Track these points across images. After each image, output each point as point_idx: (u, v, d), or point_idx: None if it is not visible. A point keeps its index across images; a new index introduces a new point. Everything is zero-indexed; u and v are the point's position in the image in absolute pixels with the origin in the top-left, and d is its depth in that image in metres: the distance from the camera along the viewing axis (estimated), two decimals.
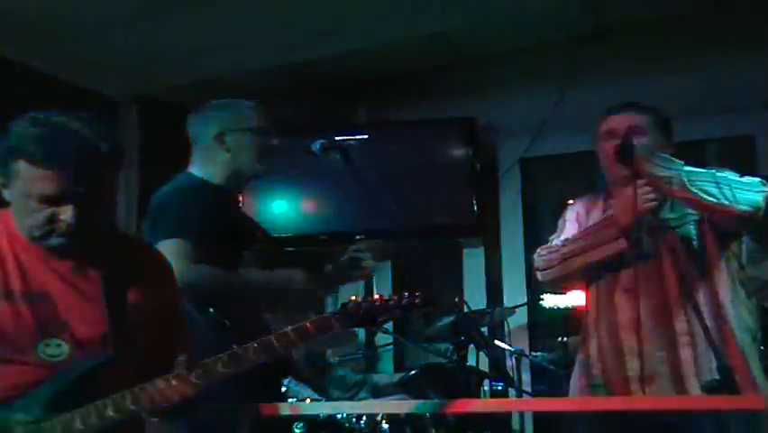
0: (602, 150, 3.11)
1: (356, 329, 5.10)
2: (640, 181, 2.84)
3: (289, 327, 2.15)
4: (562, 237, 3.15)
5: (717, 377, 2.59)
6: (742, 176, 2.91)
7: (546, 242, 3.22)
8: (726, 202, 2.78)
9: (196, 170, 3.19)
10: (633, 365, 2.86)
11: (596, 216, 3.14)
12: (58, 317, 2.12)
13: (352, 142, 2.61)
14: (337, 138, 2.60)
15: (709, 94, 4.92)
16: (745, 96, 4.85)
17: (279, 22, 4.53)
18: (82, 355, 2.11)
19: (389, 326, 5.52)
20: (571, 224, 3.19)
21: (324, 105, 5.68)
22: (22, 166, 2.02)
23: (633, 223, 2.85)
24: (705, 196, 2.78)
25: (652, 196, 2.82)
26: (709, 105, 4.96)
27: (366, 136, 5.33)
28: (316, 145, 2.74)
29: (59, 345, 2.10)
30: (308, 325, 2.17)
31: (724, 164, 5.23)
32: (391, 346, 5.71)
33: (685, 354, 2.81)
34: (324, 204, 5.48)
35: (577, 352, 3.18)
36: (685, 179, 2.79)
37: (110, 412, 2.06)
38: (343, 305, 2.21)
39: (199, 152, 3.20)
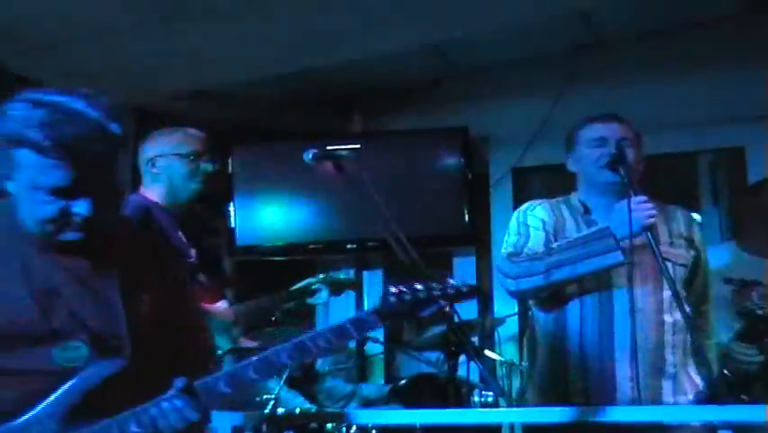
0: (587, 156, 3.07)
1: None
2: (639, 197, 2.83)
3: (326, 328, 1.97)
4: (532, 245, 3.01)
5: (705, 390, 2.61)
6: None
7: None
8: None
9: (144, 192, 3.50)
10: (622, 387, 2.83)
11: (572, 224, 3.08)
12: (73, 319, 1.92)
13: (344, 151, 2.60)
14: (330, 147, 2.59)
15: (701, 106, 4.95)
16: (736, 108, 4.87)
17: (275, 33, 4.53)
18: (99, 360, 1.92)
19: (380, 335, 5.53)
20: (536, 231, 3.06)
21: (318, 114, 5.69)
22: (26, 154, 1.80)
23: (631, 236, 2.82)
24: None
25: (652, 212, 2.81)
26: (701, 117, 4.99)
27: (359, 145, 5.34)
28: (309, 154, 2.73)
29: (76, 348, 1.91)
30: (347, 325, 1.95)
31: (715, 174, 5.29)
32: (382, 356, 5.70)
33: (667, 386, 2.82)
34: (315, 213, 5.47)
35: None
36: None
37: (133, 427, 1.87)
38: (384, 297, 1.96)
39: (145, 175, 3.50)
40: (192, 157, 3.47)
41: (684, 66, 4.98)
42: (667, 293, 2.86)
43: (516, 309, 5.17)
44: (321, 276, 4.32)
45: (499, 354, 4.92)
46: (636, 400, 2.76)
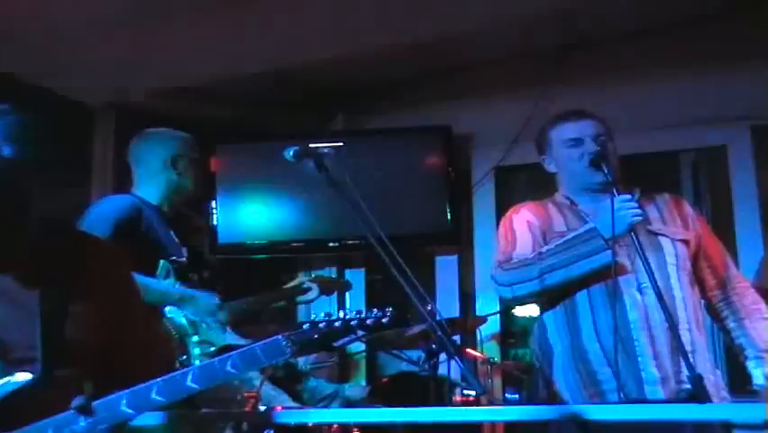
0: (567, 156, 3.08)
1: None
2: (623, 196, 2.83)
3: (237, 351, 1.90)
4: (520, 250, 3.04)
5: (689, 387, 2.60)
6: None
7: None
8: None
9: (138, 191, 3.56)
10: (647, 367, 2.83)
11: (560, 219, 3.08)
12: None
13: (326, 149, 2.60)
14: (312, 145, 2.58)
15: (684, 106, 4.97)
16: (718, 108, 4.89)
17: (256, 31, 4.51)
18: (9, 372, 1.84)
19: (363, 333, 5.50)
20: (524, 234, 3.07)
21: (300, 112, 5.67)
22: None
23: (619, 235, 2.81)
24: None
25: (638, 210, 2.82)
26: (684, 117, 5.01)
27: (342, 144, 5.33)
28: (290, 152, 2.72)
29: None
30: (257, 350, 1.88)
31: (698, 174, 5.32)
32: (364, 355, 5.68)
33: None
34: (297, 211, 5.45)
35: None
36: None
37: None
38: (300, 325, 1.94)
39: (142, 174, 3.58)
40: (185, 159, 3.57)
41: (667, 66, 4.99)
42: (672, 268, 2.88)
43: (498, 308, 5.18)
44: (312, 275, 4.36)
45: (481, 353, 4.92)
46: (663, 379, 2.80)
